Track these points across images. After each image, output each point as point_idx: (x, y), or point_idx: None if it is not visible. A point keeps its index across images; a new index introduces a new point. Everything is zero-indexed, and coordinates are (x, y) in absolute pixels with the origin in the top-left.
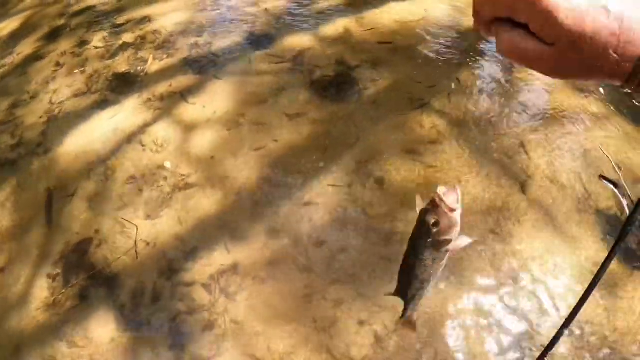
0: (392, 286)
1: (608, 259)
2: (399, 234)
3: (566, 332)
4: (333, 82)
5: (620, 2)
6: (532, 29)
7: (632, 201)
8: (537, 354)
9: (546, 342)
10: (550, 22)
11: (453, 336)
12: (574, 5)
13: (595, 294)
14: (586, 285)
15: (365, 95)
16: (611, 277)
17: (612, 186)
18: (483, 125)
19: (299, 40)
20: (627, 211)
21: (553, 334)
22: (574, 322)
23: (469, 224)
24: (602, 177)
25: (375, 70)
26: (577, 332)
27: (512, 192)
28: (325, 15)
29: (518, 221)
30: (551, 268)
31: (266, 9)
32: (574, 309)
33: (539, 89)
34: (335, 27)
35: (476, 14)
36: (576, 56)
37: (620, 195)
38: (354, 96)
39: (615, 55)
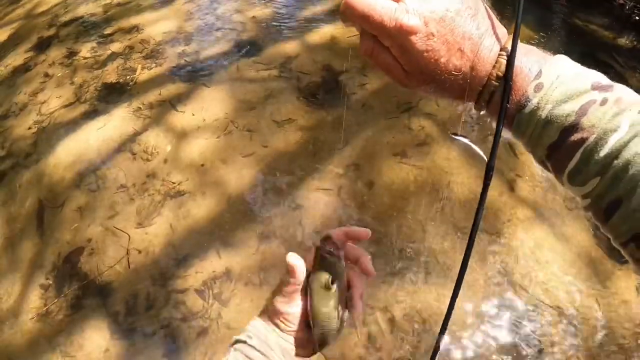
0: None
1: (472, 236)
2: (389, 236)
3: (559, 325)
4: (320, 87)
5: (484, 27)
6: (391, 52)
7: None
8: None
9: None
10: (408, 56)
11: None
12: (434, 45)
13: (588, 288)
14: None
15: (352, 99)
16: (603, 271)
17: (465, 140)
18: (470, 126)
19: (286, 48)
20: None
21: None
22: (568, 316)
23: (458, 224)
24: (453, 134)
25: (362, 75)
26: (571, 327)
27: (502, 192)
28: (311, 23)
29: (508, 220)
30: (542, 264)
31: (253, 17)
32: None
33: None
34: (321, 33)
35: (344, 14)
36: (425, 84)
37: (475, 149)
38: (341, 101)
39: (461, 89)
